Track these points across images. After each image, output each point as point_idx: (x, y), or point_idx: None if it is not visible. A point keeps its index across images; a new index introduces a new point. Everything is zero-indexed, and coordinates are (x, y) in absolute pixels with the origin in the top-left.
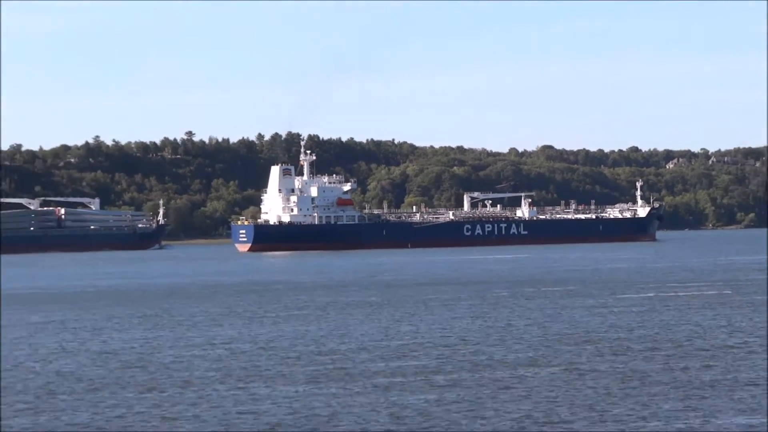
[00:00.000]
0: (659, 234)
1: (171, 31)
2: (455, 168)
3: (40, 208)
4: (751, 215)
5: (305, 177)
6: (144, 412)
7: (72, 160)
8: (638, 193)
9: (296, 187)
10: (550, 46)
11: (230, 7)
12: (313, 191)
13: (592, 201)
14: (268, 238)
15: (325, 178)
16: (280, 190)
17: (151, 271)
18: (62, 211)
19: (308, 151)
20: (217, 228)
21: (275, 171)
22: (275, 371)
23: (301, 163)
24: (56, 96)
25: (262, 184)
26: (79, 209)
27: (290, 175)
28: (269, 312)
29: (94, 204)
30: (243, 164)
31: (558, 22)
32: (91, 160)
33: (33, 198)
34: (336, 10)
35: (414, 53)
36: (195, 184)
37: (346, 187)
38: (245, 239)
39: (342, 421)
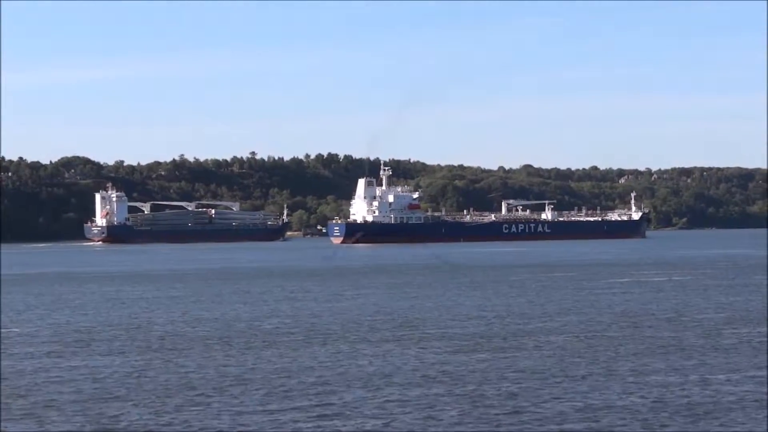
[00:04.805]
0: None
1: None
2: (457, 181)
3: (196, 209)
4: (684, 219)
5: (384, 187)
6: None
7: (162, 172)
8: (633, 202)
9: (377, 194)
10: (532, 88)
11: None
12: (390, 198)
13: (598, 207)
14: (356, 233)
15: (399, 188)
16: (364, 196)
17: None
18: (212, 211)
19: (386, 168)
20: None
21: (361, 182)
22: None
23: (381, 176)
24: (153, 123)
25: (308, 191)
26: (225, 210)
27: (372, 185)
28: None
29: (235, 206)
30: (293, 177)
31: (534, 72)
32: (177, 172)
33: (190, 201)
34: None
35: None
36: (256, 192)
37: (415, 195)
38: (338, 234)
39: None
